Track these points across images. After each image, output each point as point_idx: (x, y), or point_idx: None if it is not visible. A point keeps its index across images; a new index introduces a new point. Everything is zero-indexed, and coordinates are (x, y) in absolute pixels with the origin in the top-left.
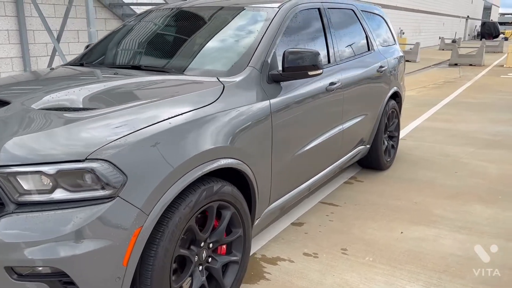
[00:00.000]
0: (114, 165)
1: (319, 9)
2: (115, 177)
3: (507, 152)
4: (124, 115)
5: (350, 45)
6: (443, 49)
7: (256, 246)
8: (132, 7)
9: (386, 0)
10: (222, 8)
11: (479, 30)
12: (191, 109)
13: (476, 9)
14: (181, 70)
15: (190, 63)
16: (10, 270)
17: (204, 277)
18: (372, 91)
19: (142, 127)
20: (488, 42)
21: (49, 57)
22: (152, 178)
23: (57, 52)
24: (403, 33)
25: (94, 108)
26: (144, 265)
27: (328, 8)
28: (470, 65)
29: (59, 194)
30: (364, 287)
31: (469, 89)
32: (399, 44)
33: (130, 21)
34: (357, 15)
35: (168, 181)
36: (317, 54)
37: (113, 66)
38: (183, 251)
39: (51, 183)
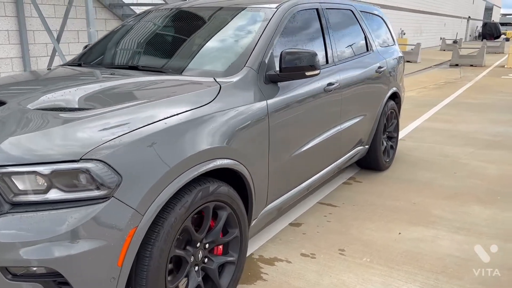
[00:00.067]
0: (109, 166)
1: (317, 9)
2: (109, 177)
3: (507, 152)
4: (119, 115)
5: (348, 46)
6: (444, 50)
7: (253, 247)
8: (132, 7)
9: (388, 1)
10: (220, 8)
11: (481, 31)
12: (187, 109)
13: (478, 9)
14: (178, 71)
15: (187, 63)
16: (5, 270)
17: (200, 278)
18: (370, 92)
19: (138, 127)
20: (489, 43)
21: (49, 57)
22: (147, 179)
23: (57, 53)
24: (404, 34)
25: (90, 108)
26: (139, 265)
27: (327, 8)
28: (471, 65)
29: (54, 194)
30: None
31: (470, 89)
32: (400, 44)
33: (129, 22)
34: (356, 16)
35: (163, 182)
36: (315, 54)
37: (111, 66)
38: (179, 252)
39: (46, 183)
